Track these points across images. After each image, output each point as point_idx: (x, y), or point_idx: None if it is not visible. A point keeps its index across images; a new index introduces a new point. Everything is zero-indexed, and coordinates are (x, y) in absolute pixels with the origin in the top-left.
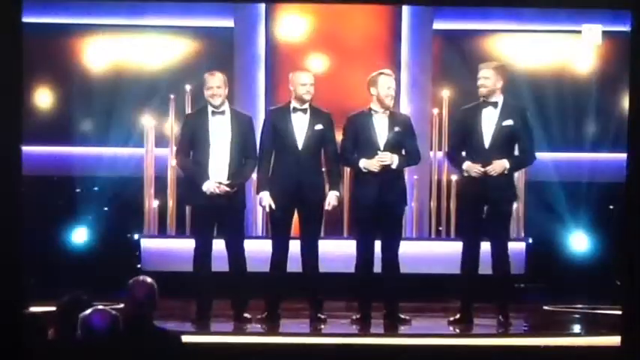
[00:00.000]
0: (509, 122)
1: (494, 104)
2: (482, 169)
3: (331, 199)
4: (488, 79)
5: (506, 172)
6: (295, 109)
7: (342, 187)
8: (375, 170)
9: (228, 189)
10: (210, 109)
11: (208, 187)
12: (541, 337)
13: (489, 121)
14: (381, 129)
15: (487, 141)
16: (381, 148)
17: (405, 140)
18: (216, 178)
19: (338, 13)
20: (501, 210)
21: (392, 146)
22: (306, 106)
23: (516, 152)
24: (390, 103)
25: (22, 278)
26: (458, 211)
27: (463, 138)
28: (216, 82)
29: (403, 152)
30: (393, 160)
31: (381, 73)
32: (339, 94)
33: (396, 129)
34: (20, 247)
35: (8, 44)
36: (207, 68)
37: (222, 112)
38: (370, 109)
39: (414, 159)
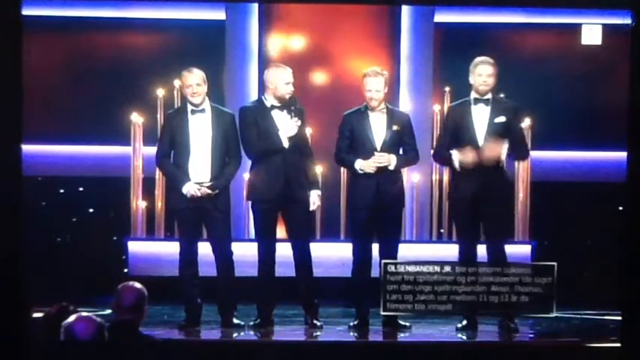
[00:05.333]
0: (501, 119)
1: (486, 101)
2: (476, 156)
3: (314, 198)
4: (491, 77)
5: (502, 157)
6: (273, 107)
7: (338, 188)
8: (371, 171)
9: (209, 191)
10: (189, 107)
11: (188, 189)
12: (548, 344)
13: (482, 119)
14: (378, 128)
15: (481, 139)
16: (378, 149)
17: (403, 140)
18: (197, 179)
19: (335, 5)
20: (499, 209)
21: (389, 146)
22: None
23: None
24: (374, 105)
25: (22, 278)
26: (451, 212)
27: (454, 137)
28: (195, 80)
29: (401, 152)
30: (390, 160)
31: (364, 74)
32: (336, 90)
33: (394, 128)
34: (20, 247)
35: (8, 41)
36: (198, 62)
37: (202, 111)
38: (366, 107)
39: (412, 160)
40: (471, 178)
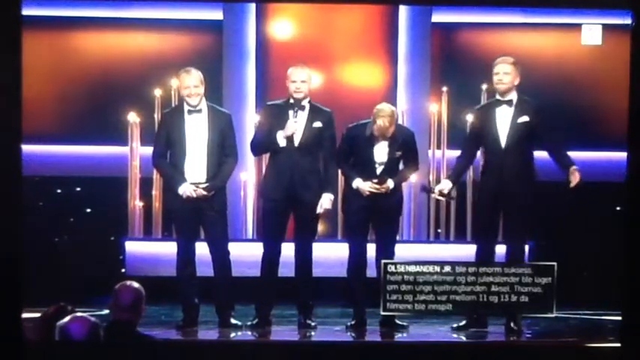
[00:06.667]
0: (524, 119)
1: (509, 102)
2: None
3: (324, 201)
4: (508, 75)
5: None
6: (292, 106)
7: (335, 188)
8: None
9: (205, 192)
10: (186, 107)
11: (184, 190)
12: (546, 344)
13: (504, 120)
14: (381, 152)
15: (503, 140)
16: (378, 172)
17: (403, 158)
18: (194, 179)
19: (332, 5)
20: (519, 208)
21: (389, 167)
22: (305, 102)
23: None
24: (382, 137)
25: (21, 278)
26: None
27: (479, 138)
28: (192, 81)
29: (401, 165)
30: (388, 188)
31: (378, 113)
32: (333, 90)
33: (397, 154)
34: (20, 247)
35: (7, 41)
36: (195, 62)
37: (199, 111)
38: (372, 132)
39: (410, 175)
40: (496, 177)
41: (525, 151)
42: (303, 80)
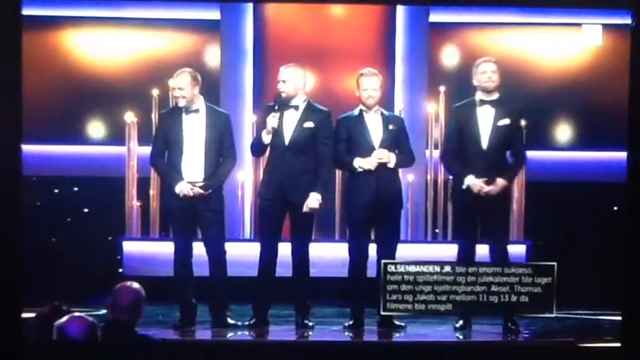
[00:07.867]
0: (505, 121)
1: (492, 102)
2: (486, 189)
3: (310, 201)
4: (495, 73)
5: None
6: (286, 105)
7: (332, 188)
8: (372, 168)
9: (201, 191)
10: (183, 107)
11: (181, 188)
12: (545, 344)
13: (486, 121)
14: (375, 128)
15: (485, 141)
16: (376, 148)
17: (399, 141)
18: (191, 179)
19: (330, 5)
20: (500, 208)
21: (387, 146)
22: (298, 102)
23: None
24: (371, 103)
25: (21, 278)
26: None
27: (460, 139)
28: (178, 83)
29: (397, 153)
30: (389, 158)
31: (361, 74)
32: (331, 90)
33: (390, 127)
34: (20, 247)
35: (7, 41)
36: (193, 62)
37: (197, 111)
38: (361, 110)
39: (409, 161)
40: (477, 175)
41: (505, 153)
42: (283, 80)
